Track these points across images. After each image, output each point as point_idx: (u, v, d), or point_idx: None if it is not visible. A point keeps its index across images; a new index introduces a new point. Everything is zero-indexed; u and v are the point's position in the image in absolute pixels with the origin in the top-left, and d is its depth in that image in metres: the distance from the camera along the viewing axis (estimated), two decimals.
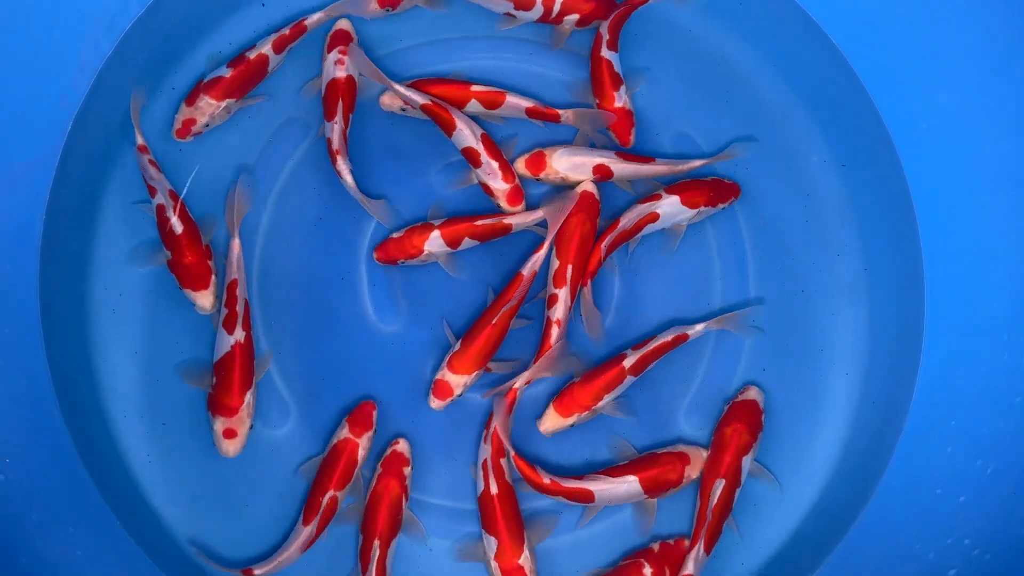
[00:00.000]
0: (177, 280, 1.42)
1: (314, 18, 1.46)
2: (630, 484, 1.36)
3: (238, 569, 1.36)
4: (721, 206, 1.47)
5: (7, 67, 1.35)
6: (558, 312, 1.40)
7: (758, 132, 1.52)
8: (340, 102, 1.44)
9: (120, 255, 1.46)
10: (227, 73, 1.45)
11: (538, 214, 1.42)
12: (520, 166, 1.46)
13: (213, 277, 1.42)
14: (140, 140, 1.44)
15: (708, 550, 1.33)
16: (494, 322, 1.39)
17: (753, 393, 1.44)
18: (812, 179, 1.52)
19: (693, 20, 1.53)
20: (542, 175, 1.46)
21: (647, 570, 1.36)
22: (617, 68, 1.46)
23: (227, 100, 1.45)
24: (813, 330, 1.49)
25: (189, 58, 1.49)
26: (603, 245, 1.40)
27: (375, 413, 1.43)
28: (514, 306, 1.39)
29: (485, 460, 1.39)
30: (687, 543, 1.39)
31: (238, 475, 1.44)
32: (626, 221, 1.41)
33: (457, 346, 1.41)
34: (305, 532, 1.36)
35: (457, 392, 1.41)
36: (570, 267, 1.40)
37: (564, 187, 1.47)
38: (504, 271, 1.48)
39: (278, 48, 1.46)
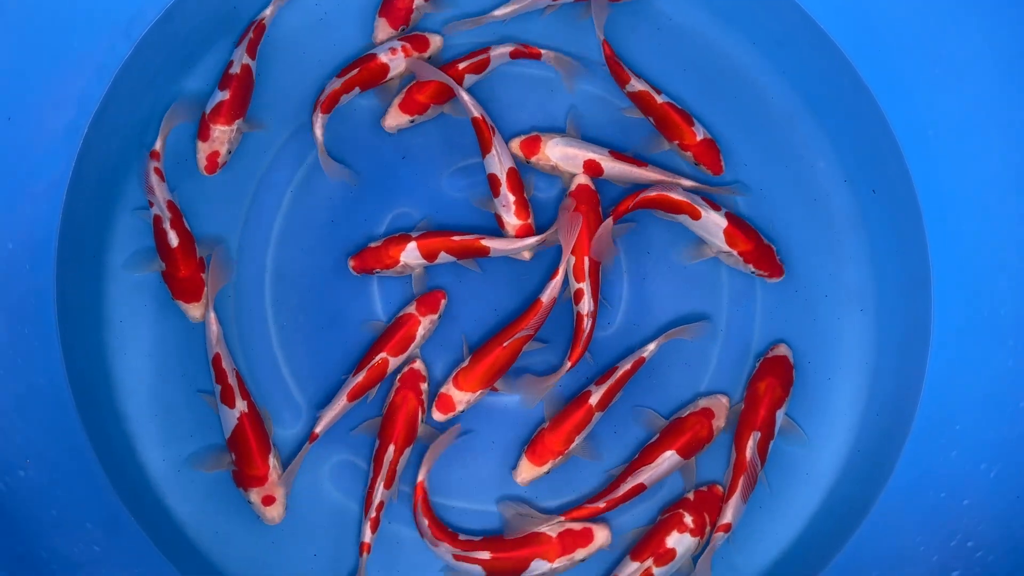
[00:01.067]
0: (170, 291, 1.44)
1: (267, 12, 1.49)
2: (670, 459, 1.39)
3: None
4: (753, 270, 1.46)
5: (26, 70, 1.37)
6: (585, 306, 1.41)
7: (766, 138, 1.53)
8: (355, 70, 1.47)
9: (135, 256, 1.48)
10: (225, 95, 1.46)
11: (516, 244, 1.43)
12: (515, 146, 1.48)
13: (205, 289, 1.44)
14: (159, 146, 1.46)
15: (744, 499, 1.37)
16: (506, 344, 1.40)
17: (783, 349, 1.46)
18: (819, 185, 1.53)
19: (702, 28, 1.54)
20: (534, 159, 1.47)
21: (687, 519, 1.38)
22: (679, 107, 1.48)
23: (236, 121, 1.47)
24: (820, 334, 1.50)
25: (205, 63, 1.51)
26: (645, 195, 1.42)
27: (444, 302, 1.45)
28: (530, 334, 1.41)
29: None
30: (719, 488, 1.42)
31: None
32: (676, 192, 1.42)
33: (466, 362, 1.43)
34: (353, 382, 1.41)
35: (459, 408, 1.42)
36: (586, 259, 1.42)
37: (553, 176, 1.49)
38: (513, 285, 1.50)
39: (252, 53, 1.48)
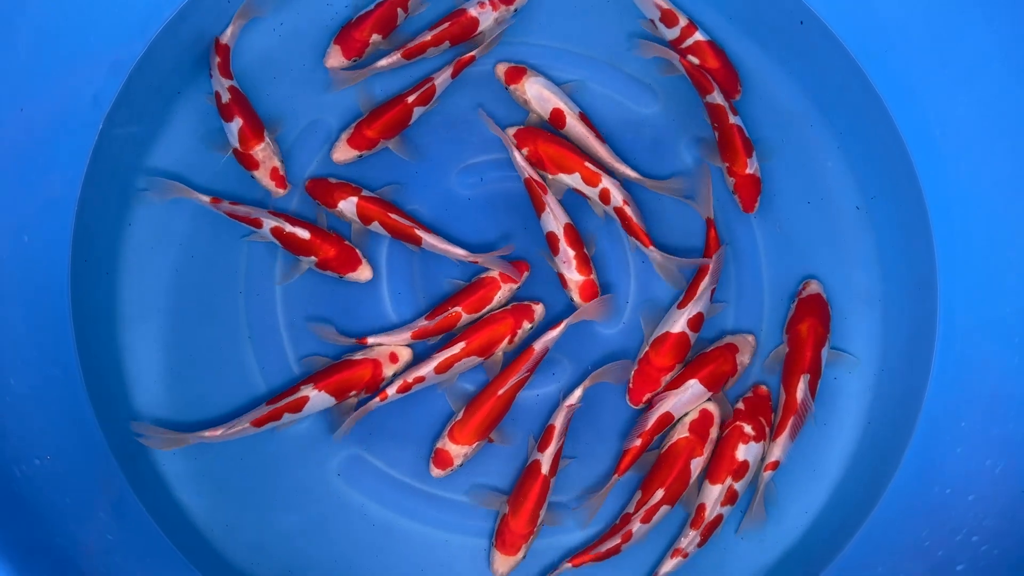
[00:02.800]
0: (336, 273, 1.47)
1: (228, 32, 1.49)
2: (693, 387, 1.41)
3: (353, 339, 1.44)
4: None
5: (42, 67, 1.38)
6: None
7: (774, 139, 1.53)
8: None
9: (148, 253, 1.49)
10: (239, 123, 1.46)
11: (451, 249, 1.43)
12: (499, 70, 1.50)
13: (357, 251, 1.47)
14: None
15: (792, 438, 1.41)
16: (500, 393, 1.41)
17: (815, 287, 1.48)
18: (827, 186, 1.53)
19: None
20: (512, 87, 1.50)
21: (747, 428, 1.41)
22: (747, 134, 1.49)
23: (264, 134, 1.48)
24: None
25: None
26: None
27: (526, 274, 1.47)
28: (523, 379, 1.42)
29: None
30: (763, 387, 1.46)
31: (261, 467, 1.47)
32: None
33: (460, 416, 1.43)
34: (421, 323, 1.43)
35: (457, 463, 1.42)
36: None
37: (523, 109, 1.51)
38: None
39: (228, 74, 1.48)
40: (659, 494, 1.38)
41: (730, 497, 1.39)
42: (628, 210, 1.44)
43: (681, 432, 1.42)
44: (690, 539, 1.38)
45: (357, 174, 1.51)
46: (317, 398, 1.40)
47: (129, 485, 1.44)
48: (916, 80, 1.47)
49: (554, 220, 1.45)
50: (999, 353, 1.39)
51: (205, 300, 1.49)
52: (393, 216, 1.45)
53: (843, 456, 1.48)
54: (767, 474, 1.40)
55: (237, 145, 1.48)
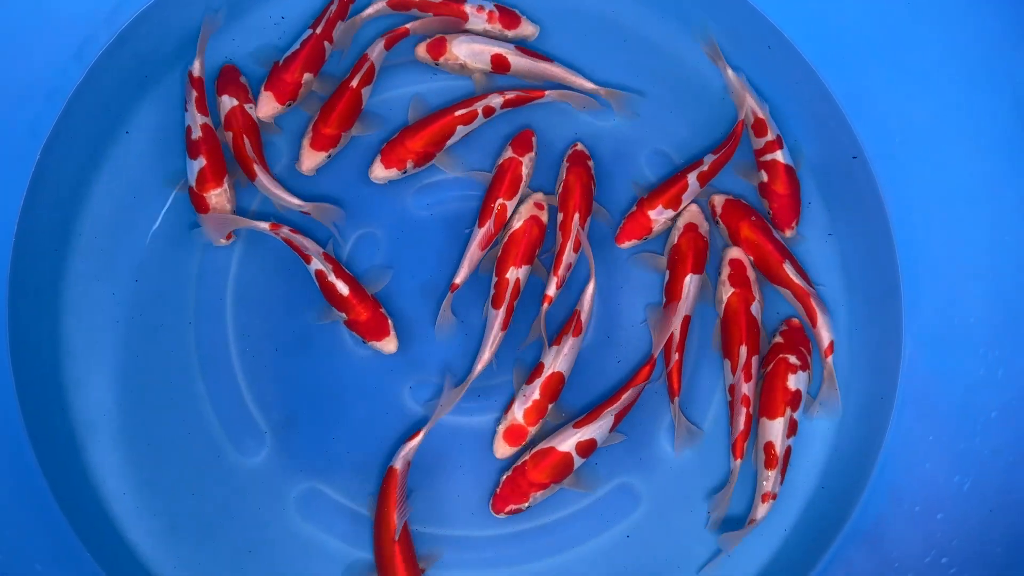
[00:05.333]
0: (360, 337, 1.43)
1: (196, 66, 1.45)
2: (692, 281, 1.43)
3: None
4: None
5: None
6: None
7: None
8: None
9: (91, 284, 1.45)
10: (203, 162, 1.42)
11: (292, 200, 1.42)
12: (421, 51, 1.48)
13: (389, 322, 1.43)
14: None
15: (826, 312, 1.44)
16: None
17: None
18: None
19: (668, 40, 1.53)
20: (441, 59, 1.48)
21: (792, 359, 1.42)
22: (795, 173, 1.49)
23: (225, 182, 1.44)
24: None
25: (161, 87, 1.49)
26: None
27: (535, 139, 1.47)
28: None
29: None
30: (795, 320, 1.47)
31: (213, 505, 1.43)
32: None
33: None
34: (480, 232, 1.44)
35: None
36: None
37: (462, 76, 1.50)
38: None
39: (202, 109, 1.44)
40: (743, 351, 1.41)
41: (792, 428, 1.40)
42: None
43: (727, 290, 1.44)
44: (772, 480, 1.39)
45: (316, 192, 1.47)
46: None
47: (74, 532, 1.39)
48: (873, 87, 1.46)
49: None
50: (965, 364, 1.38)
51: (153, 333, 1.45)
52: (244, 141, 1.42)
53: (809, 476, 1.46)
54: (829, 360, 1.44)
55: (193, 184, 1.43)
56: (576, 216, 1.43)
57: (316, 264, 1.41)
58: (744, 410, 1.40)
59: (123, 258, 1.46)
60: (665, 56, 1.54)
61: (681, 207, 1.46)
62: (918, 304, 1.45)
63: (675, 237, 1.46)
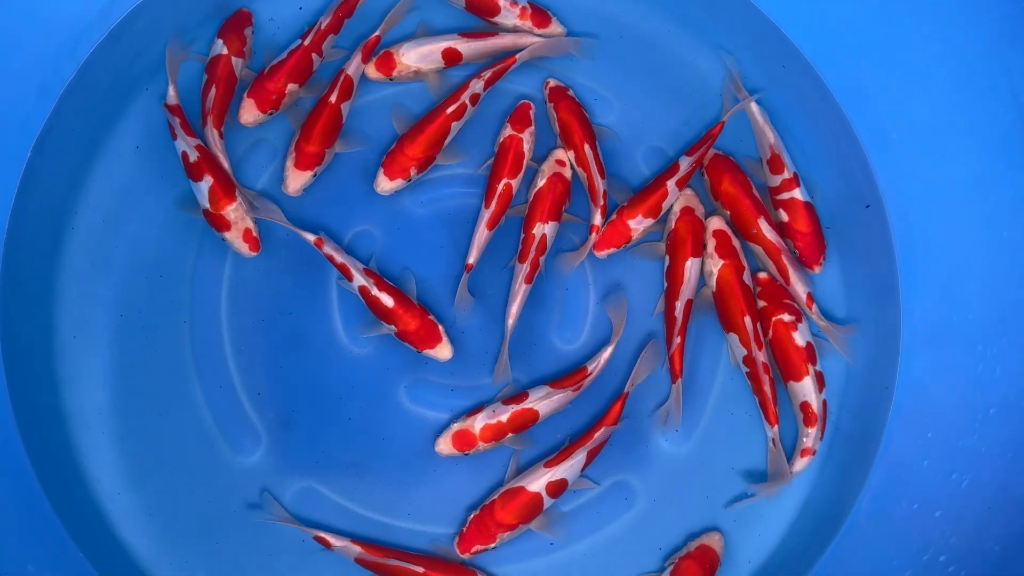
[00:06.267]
0: (412, 346, 1.42)
1: (171, 94, 1.44)
2: (693, 266, 1.43)
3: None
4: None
5: None
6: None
7: (730, 147, 1.51)
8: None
9: (85, 283, 1.44)
10: (210, 180, 1.40)
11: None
12: (371, 71, 1.47)
13: (440, 328, 1.42)
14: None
15: (798, 268, 1.46)
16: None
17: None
18: None
19: (667, 38, 1.53)
20: (395, 73, 1.47)
21: (786, 317, 1.42)
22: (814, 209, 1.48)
23: (237, 194, 1.42)
24: None
25: (154, 84, 1.47)
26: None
27: (532, 112, 1.48)
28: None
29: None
30: (762, 274, 1.47)
31: (208, 505, 1.42)
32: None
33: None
34: (487, 213, 1.44)
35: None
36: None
37: (419, 80, 1.49)
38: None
39: (189, 132, 1.43)
40: (748, 321, 1.41)
41: (820, 382, 1.41)
42: None
43: (715, 262, 1.44)
44: (812, 437, 1.40)
45: (311, 196, 1.46)
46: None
47: (68, 533, 1.38)
48: (873, 86, 1.46)
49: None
50: (963, 361, 1.38)
51: (146, 334, 1.45)
52: (212, 90, 1.41)
53: (807, 474, 1.46)
54: (813, 312, 1.45)
55: (207, 206, 1.41)
56: (586, 146, 1.44)
57: (359, 280, 1.41)
58: (767, 377, 1.40)
59: (117, 257, 1.45)
60: (662, 52, 1.53)
61: (660, 214, 1.46)
62: (916, 301, 1.45)
63: (672, 222, 1.46)
